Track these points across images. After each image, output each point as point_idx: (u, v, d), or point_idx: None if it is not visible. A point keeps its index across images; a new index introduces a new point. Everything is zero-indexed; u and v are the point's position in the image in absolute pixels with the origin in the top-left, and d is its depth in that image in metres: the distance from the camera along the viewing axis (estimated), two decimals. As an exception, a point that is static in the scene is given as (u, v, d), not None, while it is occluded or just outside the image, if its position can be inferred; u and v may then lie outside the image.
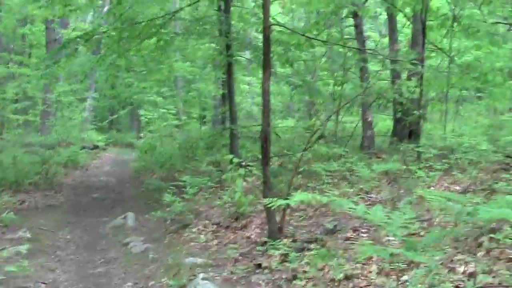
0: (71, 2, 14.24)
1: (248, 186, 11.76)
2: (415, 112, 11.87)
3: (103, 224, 12.21)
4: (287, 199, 5.23)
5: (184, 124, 22.19)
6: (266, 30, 8.35)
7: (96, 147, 27.62)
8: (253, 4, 19.03)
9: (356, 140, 16.96)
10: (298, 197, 4.99)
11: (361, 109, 17.04)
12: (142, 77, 22.65)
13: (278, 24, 10.05)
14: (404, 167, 10.45)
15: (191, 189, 11.47)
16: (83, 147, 24.77)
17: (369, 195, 10.11)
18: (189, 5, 17.32)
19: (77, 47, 13.96)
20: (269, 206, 5.94)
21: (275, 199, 5.37)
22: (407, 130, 16.67)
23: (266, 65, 8.35)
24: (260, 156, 8.93)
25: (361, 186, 10.54)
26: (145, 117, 24.58)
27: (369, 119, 11.01)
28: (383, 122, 20.74)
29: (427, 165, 10.78)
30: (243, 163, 10.02)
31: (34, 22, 28.38)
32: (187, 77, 24.81)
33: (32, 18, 27.34)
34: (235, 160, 9.83)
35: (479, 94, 17.09)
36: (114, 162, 24.92)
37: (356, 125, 16.53)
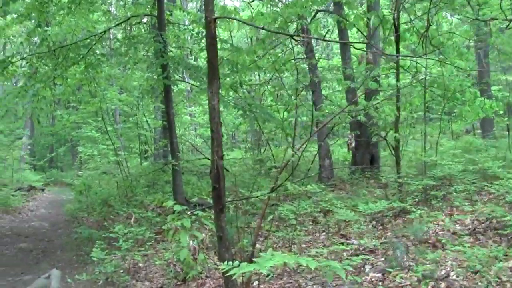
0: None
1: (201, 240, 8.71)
2: (395, 135, 9.16)
3: (22, 286, 8.90)
4: (252, 261, 3.92)
5: (122, 160, 19.11)
6: (211, 25, 5.49)
7: (32, 187, 24.18)
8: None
9: (312, 171, 14.24)
10: (270, 261, 3.44)
11: (315, 135, 14.29)
12: (73, 110, 19.71)
13: (226, 17, 7.18)
14: (396, 204, 7.60)
15: (125, 243, 8.45)
16: (19, 188, 21.81)
17: (350, 242, 7.39)
18: (118, 24, 14.54)
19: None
20: (228, 274, 3.79)
21: (237, 263, 3.76)
22: (368, 156, 14.16)
23: (213, 75, 5.50)
24: (210, 199, 6.14)
25: (341, 231, 7.78)
26: (84, 154, 21.59)
27: (353, 144, 8.23)
28: (339, 150, 18.09)
29: (416, 199, 8.09)
30: (188, 212, 6.87)
31: None
32: (124, 109, 21.91)
33: None
34: (177, 207, 6.72)
35: (432, 116, 14.52)
36: (50, 204, 21.74)
37: (316, 154, 13.75)
